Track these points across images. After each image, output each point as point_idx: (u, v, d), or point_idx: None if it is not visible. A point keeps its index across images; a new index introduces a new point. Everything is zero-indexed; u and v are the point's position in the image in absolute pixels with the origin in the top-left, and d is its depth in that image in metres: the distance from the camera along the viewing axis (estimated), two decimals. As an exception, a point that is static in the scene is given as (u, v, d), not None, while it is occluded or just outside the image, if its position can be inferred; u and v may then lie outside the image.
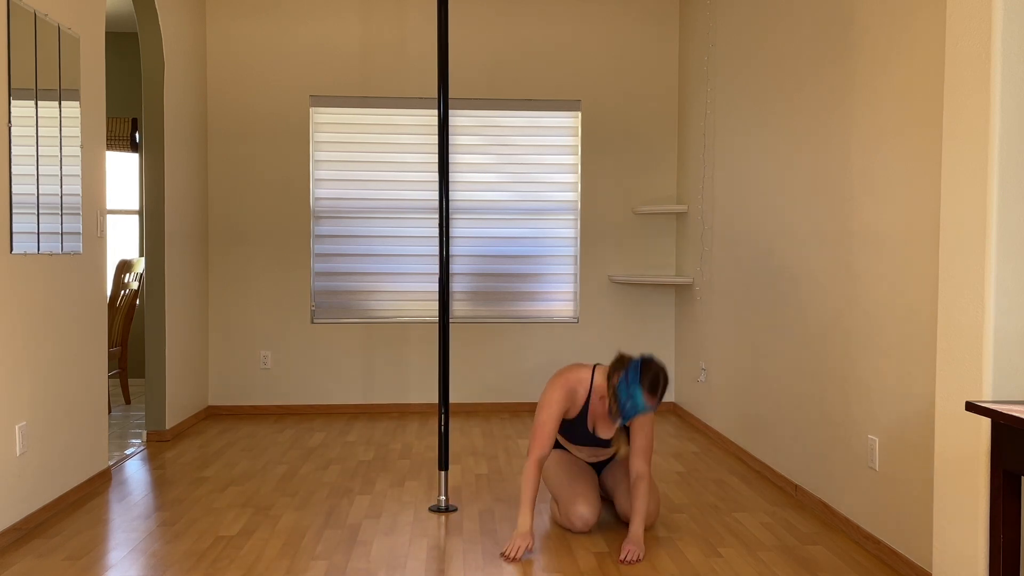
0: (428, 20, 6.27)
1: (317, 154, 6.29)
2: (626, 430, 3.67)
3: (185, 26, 5.73)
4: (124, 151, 7.52)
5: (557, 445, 3.90)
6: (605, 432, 3.69)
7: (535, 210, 6.40)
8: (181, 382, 5.64)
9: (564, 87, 6.37)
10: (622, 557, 3.34)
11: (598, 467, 3.95)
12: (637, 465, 3.59)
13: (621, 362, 3.50)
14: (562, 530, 3.73)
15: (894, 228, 3.37)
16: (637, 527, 3.46)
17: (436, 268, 6.20)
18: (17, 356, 3.63)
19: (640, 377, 3.41)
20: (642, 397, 3.41)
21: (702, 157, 5.77)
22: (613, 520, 3.86)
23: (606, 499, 4.10)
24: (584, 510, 3.63)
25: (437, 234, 5.84)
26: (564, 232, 6.42)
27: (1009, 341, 2.48)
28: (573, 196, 6.43)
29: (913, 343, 3.24)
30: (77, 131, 4.15)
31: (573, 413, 3.67)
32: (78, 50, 4.14)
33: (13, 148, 3.55)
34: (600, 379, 3.61)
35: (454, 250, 6.31)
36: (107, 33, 7.47)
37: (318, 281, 6.31)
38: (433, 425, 5.89)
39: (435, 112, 6.27)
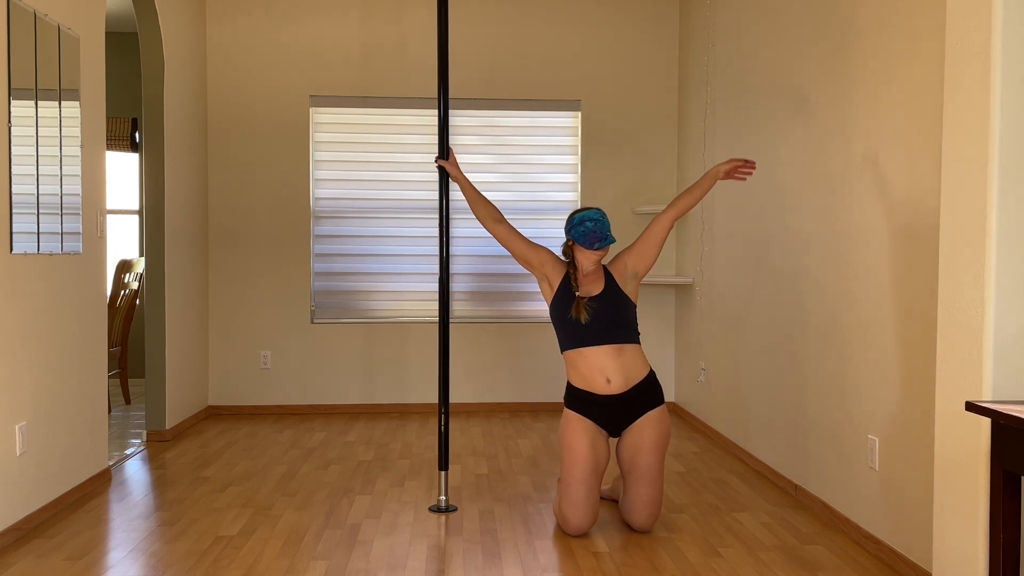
0: (428, 20, 6.27)
1: (317, 154, 6.29)
2: (612, 283, 3.83)
3: (185, 26, 5.72)
4: (124, 151, 7.53)
5: (569, 341, 3.78)
6: (594, 286, 3.79)
7: (535, 210, 6.40)
8: (181, 382, 5.64)
9: (564, 87, 6.37)
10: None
11: (617, 428, 3.73)
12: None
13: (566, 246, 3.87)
14: (562, 530, 3.73)
15: (894, 227, 3.37)
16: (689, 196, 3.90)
17: (436, 268, 6.17)
18: (17, 356, 3.63)
19: (572, 216, 3.82)
20: (584, 213, 3.78)
21: (702, 157, 5.77)
22: (613, 520, 3.86)
23: (607, 499, 4.11)
24: (576, 522, 3.60)
25: (437, 234, 5.82)
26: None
27: (1009, 341, 2.48)
28: (573, 196, 6.43)
29: (913, 343, 3.24)
30: (77, 131, 4.15)
31: (557, 278, 3.82)
32: (78, 50, 4.14)
33: (13, 148, 3.55)
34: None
35: (454, 250, 6.31)
36: (107, 33, 7.47)
37: (318, 281, 6.31)
38: (433, 425, 5.89)
39: (435, 112, 6.27)
